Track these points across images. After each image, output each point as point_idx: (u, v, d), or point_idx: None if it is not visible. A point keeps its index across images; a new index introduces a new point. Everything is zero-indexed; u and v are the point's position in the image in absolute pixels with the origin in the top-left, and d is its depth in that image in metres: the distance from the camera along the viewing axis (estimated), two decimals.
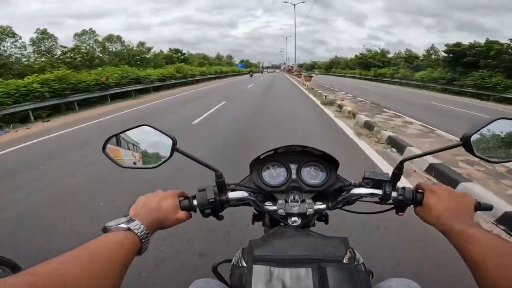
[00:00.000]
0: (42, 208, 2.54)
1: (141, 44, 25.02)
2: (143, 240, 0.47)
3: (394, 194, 0.62)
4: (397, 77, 25.96)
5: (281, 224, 0.69)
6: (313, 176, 0.74)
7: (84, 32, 23.46)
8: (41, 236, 2.09)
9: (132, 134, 0.61)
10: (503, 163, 0.83)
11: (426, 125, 5.82)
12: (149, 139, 0.61)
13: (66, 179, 3.24)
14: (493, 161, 0.56)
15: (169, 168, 2.81)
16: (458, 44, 18.83)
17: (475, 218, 0.52)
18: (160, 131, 0.58)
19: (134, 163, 0.63)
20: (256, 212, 0.80)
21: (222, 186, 0.63)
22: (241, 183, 0.73)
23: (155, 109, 9.35)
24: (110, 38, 24.22)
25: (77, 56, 20.34)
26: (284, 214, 0.66)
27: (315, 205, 0.68)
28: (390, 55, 38.32)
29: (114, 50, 24.17)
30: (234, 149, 4.23)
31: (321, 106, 8.89)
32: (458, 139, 0.55)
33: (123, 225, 0.46)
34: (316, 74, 36.52)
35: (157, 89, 16.09)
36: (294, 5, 39.20)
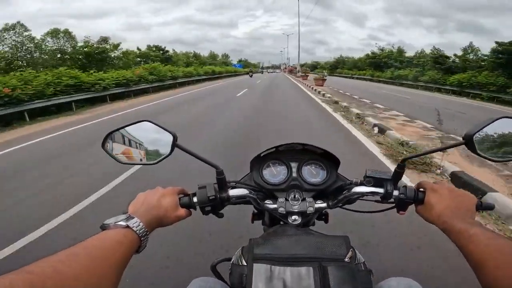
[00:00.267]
0: None
1: (104, 40, 18.69)
2: (142, 238, 0.46)
3: (395, 192, 0.62)
4: (423, 80, 21.14)
5: (281, 222, 0.68)
6: (313, 174, 0.74)
7: (6, 28, 16.78)
8: None
9: (132, 130, 0.60)
10: (506, 162, 0.82)
11: None
12: (149, 135, 0.60)
13: None
14: (496, 160, 0.55)
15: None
16: None
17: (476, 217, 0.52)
18: (161, 127, 0.58)
19: (134, 159, 0.62)
20: (255, 211, 0.80)
21: (222, 184, 0.63)
22: (241, 180, 0.73)
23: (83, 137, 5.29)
24: (54, 33, 18.20)
25: None
26: (284, 212, 0.66)
27: (316, 203, 0.67)
28: (407, 54, 32.93)
29: (56, 48, 18.23)
30: None
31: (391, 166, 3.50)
32: None
33: (122, 223, 0.46)
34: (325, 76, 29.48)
35: (119, 96, 11.93)
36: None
